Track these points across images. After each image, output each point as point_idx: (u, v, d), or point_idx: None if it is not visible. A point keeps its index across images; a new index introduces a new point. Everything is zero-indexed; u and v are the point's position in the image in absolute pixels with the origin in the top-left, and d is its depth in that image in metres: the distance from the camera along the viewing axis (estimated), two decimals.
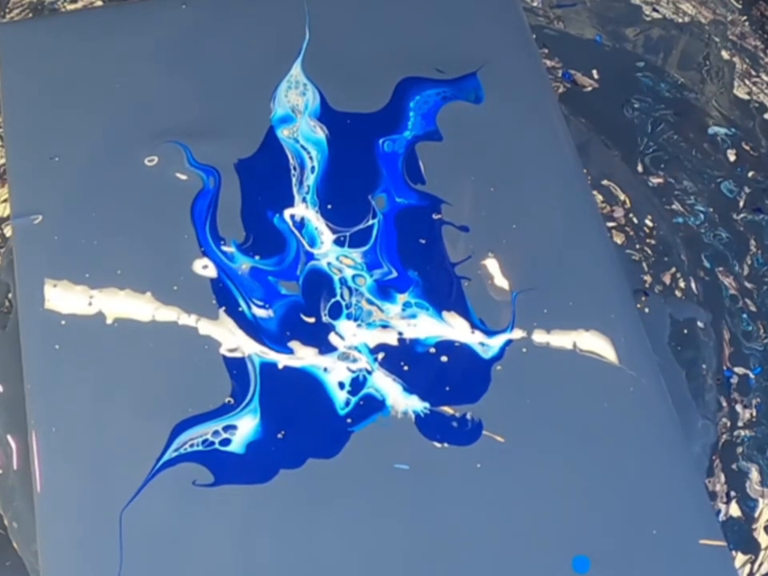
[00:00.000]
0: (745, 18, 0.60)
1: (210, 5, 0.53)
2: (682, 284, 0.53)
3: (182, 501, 0.42)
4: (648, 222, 0.54)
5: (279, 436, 0.43)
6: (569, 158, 0.50)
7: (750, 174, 0.57)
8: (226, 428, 0.43)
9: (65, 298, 0.45)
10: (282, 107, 0.51)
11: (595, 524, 0.42)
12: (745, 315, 0.52)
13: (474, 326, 0.46)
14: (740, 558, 0.48)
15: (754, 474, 0.49)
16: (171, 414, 0.43)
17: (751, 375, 0.51)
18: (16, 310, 0.49)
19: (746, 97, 0.59)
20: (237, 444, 0.43)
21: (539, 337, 0.46)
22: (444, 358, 0.45)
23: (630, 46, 0.59)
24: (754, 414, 0.51)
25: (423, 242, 0.48)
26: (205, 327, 0.45)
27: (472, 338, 0.46)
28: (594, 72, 0.58)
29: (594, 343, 0.46)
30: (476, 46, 0.53)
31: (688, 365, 0.52)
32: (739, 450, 0.50)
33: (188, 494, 0.42)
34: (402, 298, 0.46)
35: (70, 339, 0.44)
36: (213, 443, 0.43)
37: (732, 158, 0.57)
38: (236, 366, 0.44)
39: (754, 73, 0.59)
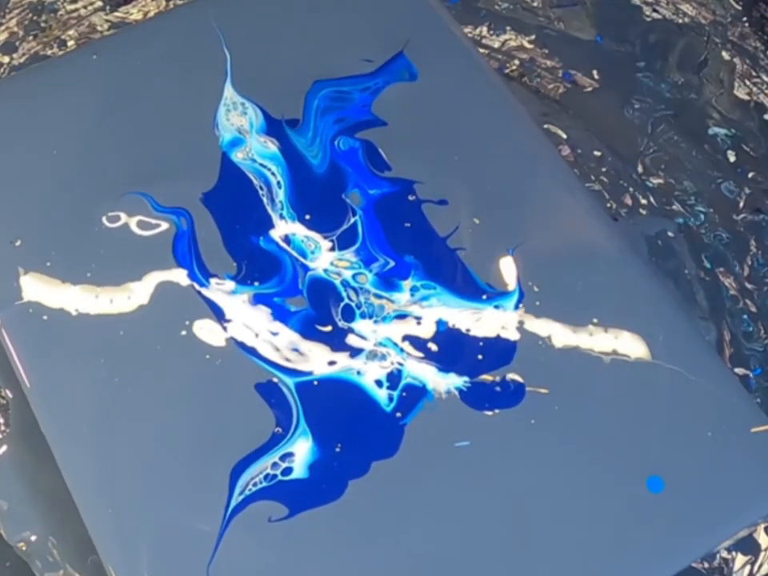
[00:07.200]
0: (745, 19, 0.61)
1: (120, 51, 0.52)
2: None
3: (264, 542, 0.41)
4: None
5: (337, 450, 0.43)
6: (516, 110, 0.51)
7: (750, 174, 0.58)
8: (283, 457, 0.42)
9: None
10: (228, 131, 0.50)
11: (654, 441, 0.44)
12: (745, 316, 0.53)
13: (483, 292, 0.46)
14: (740, 559, 0.49)
15: None
16: (224, 459, 0.42)
17: (751, 376, 0.53)
18: None
19: (746, 98, 0.60)
20: (299, 470, 0.42)
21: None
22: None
23: (630, 47, 0.60)
24: None
25: (408, 225, 0.48)
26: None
27: (486, 304, 0.46)
28: (595, 72, 0.59)
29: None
30: (394, 29, 0.53)
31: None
32: None
33: (268, 533, 0.41)
34: (407, 284, 0.47)
35: (97, 412, 0.43)
36: (275, 476, 0.42)
37: (732, 158, 0.58)
38: (272, 395, 0.43)
39: (754, 74, 0.60)
